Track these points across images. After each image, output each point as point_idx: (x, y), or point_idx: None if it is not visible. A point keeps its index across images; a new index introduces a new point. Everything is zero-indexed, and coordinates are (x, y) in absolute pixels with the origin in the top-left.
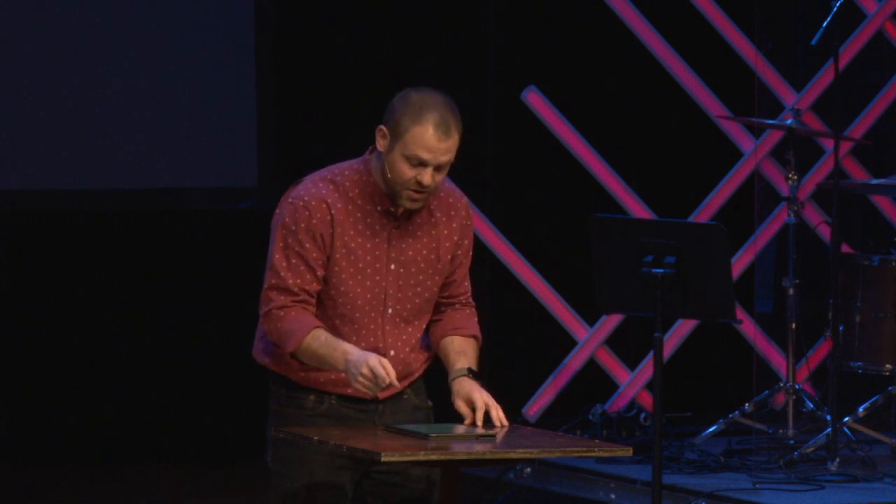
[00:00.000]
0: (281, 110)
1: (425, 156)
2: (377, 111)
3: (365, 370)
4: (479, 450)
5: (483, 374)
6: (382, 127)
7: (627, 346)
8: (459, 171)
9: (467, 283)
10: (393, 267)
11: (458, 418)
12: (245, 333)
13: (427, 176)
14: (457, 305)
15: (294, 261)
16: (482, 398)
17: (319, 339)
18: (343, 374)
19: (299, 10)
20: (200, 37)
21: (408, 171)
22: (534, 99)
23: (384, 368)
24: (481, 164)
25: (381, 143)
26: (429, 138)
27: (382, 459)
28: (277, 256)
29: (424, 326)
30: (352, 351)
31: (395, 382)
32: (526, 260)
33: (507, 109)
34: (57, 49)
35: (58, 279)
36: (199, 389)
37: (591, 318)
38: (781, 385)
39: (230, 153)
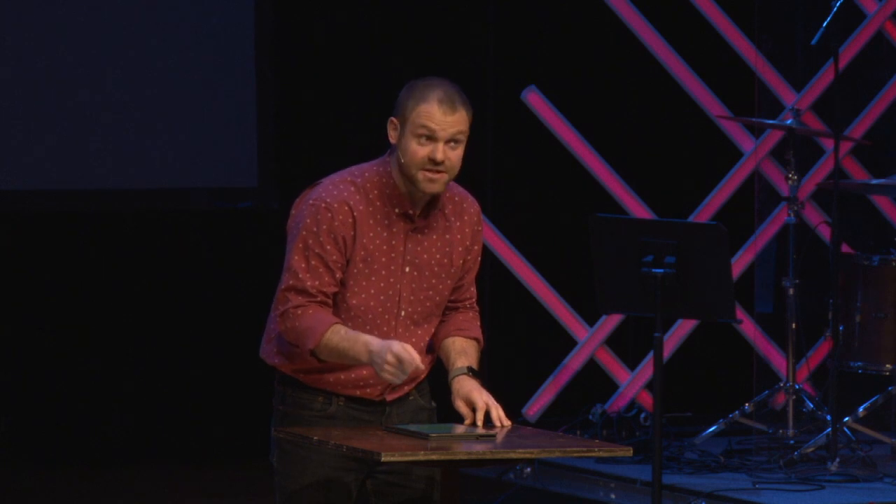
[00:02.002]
0: (281, 110)
1: (433, 127)
2: (377, 111)
3: (390, 357)
4: (479, 450)
5: (483, 374)
6: (392, 119)
7: (627, 346)
8: (460, 170)
9: (473, 289)
10: (408, 269)
11: (461, 418)
12: (245, 333)
13: (439, 151)
14: (461, 308)
15: (314, 262)
16: (482, 398)
17: (339, 334)
18: (353, 375)
19: (299, 10)
20: (200, 37)
21: (419, 150)
22: (534, 99)
23: (409, 353)
24: (481, 164)
25: (392, 135)
26: (434, 112)
27: (383, 459)
28: (296, 258)
29: (434, 330)
30: (373, 341)
31: (421, 365)
32: (526, 260)
33: (507, 109)
34: (57, 50)
35: (58, 279)
36: (199, 389)
37: (591, 318)
38: (781, 385)
39: (230, 153)
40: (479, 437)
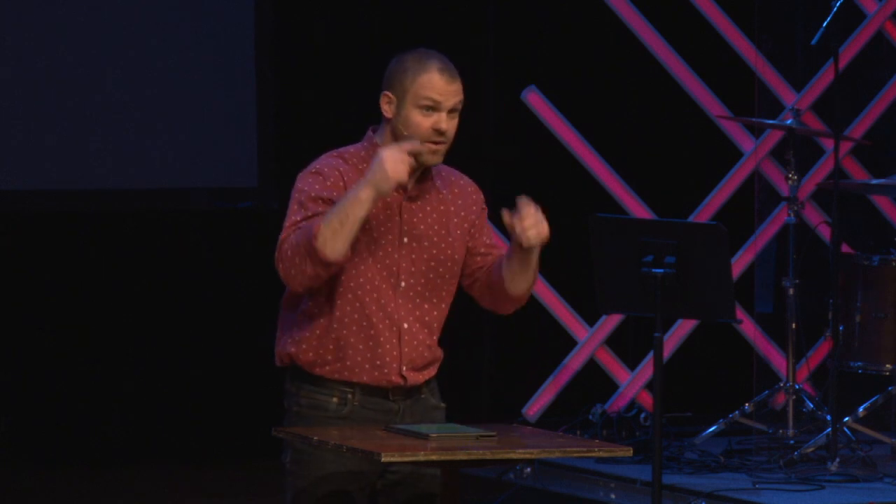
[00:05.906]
0: (281, 110)
1: (438, 97)
2: (377, 111)
3: (388, 160)
4: (479, 450)
5: (483, 374)
6: (387, 93)
7: (627, 346)
8: (459, 170)
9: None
10: (406, 240)
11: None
12: (245, 333)
13: (443, 121)
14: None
15: (310, 214)
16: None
17: (329, 212)
18: (369, 355)
19: (299, 10)
20: (200, 37)
21: (424, 121)
22: (534, 99)
23: (398, 146)
24: (481, 164)
25: (387, 110)
26: (437, 81)
27: (382, 460)
28: (293, 214)
29: (443, 309)
30: (359, 181)
31: (420, 149)
32: None
33: (507, 109)
34: (57, 50)
35: (58, 279)
36: (199, 389)
37: (591, 318)
38: (781, 385)
39: (230, 153)
40: (479, 438)
